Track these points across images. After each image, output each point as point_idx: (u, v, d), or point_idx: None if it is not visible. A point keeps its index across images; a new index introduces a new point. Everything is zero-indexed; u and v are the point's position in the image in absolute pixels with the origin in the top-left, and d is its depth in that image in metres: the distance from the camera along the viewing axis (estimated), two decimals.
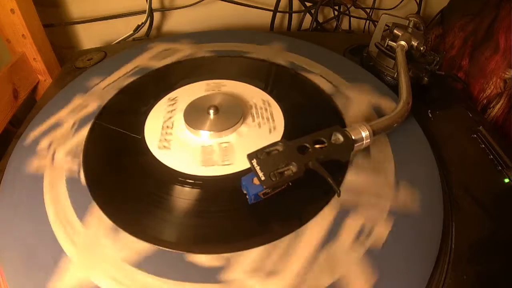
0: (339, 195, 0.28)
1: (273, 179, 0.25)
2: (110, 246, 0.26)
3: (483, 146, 0.36)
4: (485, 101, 0.45)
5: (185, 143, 0.34)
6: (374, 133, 0.30)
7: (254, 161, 0.26)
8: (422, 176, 0.31)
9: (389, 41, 0.41)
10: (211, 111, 0.35)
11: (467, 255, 0.27)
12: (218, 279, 0.24)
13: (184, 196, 0.29)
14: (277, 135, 0.34)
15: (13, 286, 0.24)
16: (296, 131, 0.31)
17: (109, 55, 0.50)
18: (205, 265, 0.25)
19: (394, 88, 0.39)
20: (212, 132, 0.34)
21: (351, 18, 0.70)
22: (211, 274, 0.24)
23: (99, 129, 0.36)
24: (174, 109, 0.37)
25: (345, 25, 0.72)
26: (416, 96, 0.35)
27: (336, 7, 0.67)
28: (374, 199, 0.29)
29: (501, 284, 0.26)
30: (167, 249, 0.26)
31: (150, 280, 0.24)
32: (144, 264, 0.25)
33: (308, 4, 0.65)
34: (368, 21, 0.70)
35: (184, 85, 0.41)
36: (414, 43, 0.40)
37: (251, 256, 0.25)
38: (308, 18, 0.67)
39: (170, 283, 0.24)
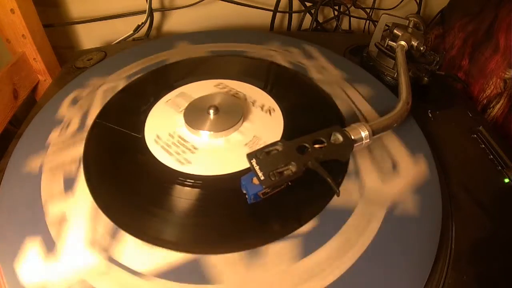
0: (338, 195, 0.28)
1: (273, 178, 0.25)
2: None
3: (483, 146, 0.36)
4: (485, 101, 0.45)
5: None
6: (373, 133, 0.30)
7: (254, 161, 0.26)
8: (422, 176, 0.31)
9: (389, 41, 0.41)
10: (211, 111, 0.35)
11: (467, 255, 0.27)
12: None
13: (184, 196, 0.29)
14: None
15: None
16: (296, 131, 0.31)
17: (109, 55, 0.50)
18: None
19: (394, 88, 0.39)
20: (212, 132, 0.34)
21: (351, 18, 0.70)
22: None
23: (100, 128, 0.36)
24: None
25: (345, 25, 0.72)
26: (416, 96, 0.35)
27: (336, 7, 0.67)
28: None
29: (501, 284, 0.26)
30: (165, 249, 0.26)
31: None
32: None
33: (308, 4, 0.65)
34: (368, 21, 0.70)
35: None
36: (414, 43, 0.40)
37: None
38: (308, 18, 0.67)
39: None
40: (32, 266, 0.25)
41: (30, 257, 0.26)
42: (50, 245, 0.26)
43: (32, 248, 0.26)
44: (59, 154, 0.33)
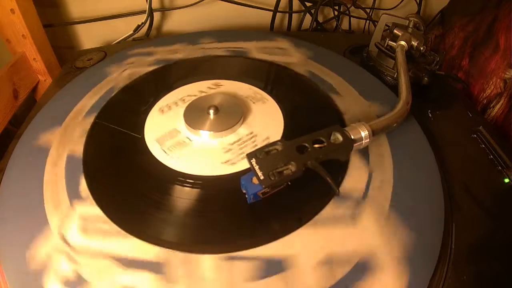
0: (338, 195, 0.28)
1: (272, 178, 0.25)
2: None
3: (483, 146, 0.36)
4: (485, 101, 0.45)
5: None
6: (373, 133, 0.30)
7: (253, 161, 0.26)
8: (422, 176, 0.31)
9: (389, 41, 0.41)
10: (211, 111, 0.35)
11: (467, 255, 0.27)
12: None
13: (183, 196, 0.29)
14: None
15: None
16: (296, 131, 0.31)
17: (109, 55, 0.50)
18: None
19: (394, 88, 0.39)
20: (212, 132, 0.34)
21: (351, 18, 0.70)
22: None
23: (100, 128, 0.36)
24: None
25: (345, 25, 0.72)
26: (416, 96, 0.35)
27: (336, 7, 0.67)
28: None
29: (501, 284, 0.26)
30: (165, 249, 0.26)
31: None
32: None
33: (308, 4, 0.65)
34: (368, 21, 0.70)
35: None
36: (414, 43, 0.40)
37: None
38: (308, 18, 0.67)
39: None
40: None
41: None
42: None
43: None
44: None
